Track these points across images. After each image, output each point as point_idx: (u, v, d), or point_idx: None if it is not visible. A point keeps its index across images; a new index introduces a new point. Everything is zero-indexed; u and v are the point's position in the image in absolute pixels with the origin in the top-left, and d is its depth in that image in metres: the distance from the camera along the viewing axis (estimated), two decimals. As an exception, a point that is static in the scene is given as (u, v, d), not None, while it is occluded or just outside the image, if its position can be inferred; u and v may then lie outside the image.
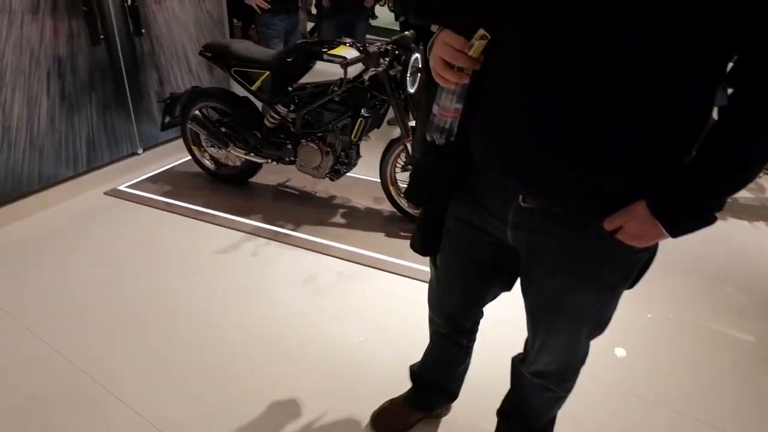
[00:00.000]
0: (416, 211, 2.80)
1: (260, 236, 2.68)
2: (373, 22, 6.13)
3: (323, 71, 2.52)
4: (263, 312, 2.12)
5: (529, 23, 0.80)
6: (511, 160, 0.90)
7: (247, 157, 2.92)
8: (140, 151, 3.39)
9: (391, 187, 2.79)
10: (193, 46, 3.63)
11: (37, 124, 2.72)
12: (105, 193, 3.08)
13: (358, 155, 2.82)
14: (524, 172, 0.90)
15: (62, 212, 2.84)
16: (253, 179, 3.22)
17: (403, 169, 2.75)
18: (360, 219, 2.89)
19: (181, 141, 3.51)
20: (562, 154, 0.84)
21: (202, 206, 2.94)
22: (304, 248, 2.59)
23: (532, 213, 0.94)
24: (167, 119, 3.12)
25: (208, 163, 3.23)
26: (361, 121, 2.59)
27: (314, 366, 1.86)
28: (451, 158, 1.02)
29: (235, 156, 3.03)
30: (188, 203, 2.98)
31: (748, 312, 2.26)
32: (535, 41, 0.80)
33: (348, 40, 2.57)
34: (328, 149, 2.72)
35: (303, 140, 2.75)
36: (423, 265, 2.43)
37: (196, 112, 2.97)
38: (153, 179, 3.28)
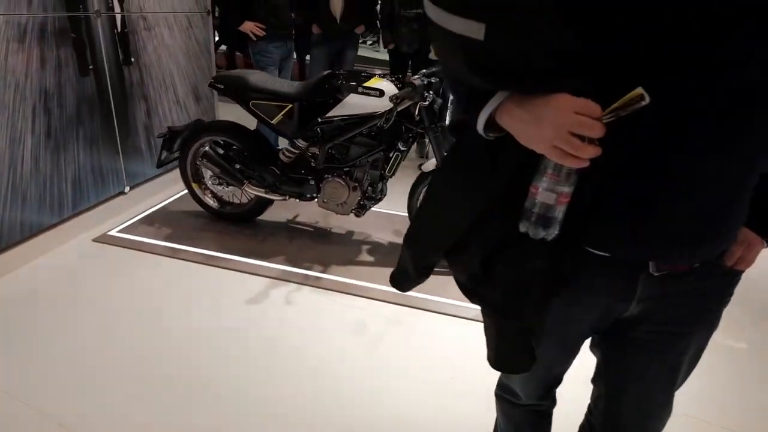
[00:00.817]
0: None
1: (289, 281, 2.47)
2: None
3: (356, 104, 2.39)
4: (314, 369, 1.93)
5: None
6: (649, 229, 0.78)
7: (264, 195, 2.71)
8: (127, 189, 3.06)
9: (420, 222, 2.69)
10: (181, 74, 3.37)
11: (21, 167, 2.36)
12: (94, 240, 2.73)
13: (384, 190, 2.69)
14: (667, 238, 0.79)
15: (48, 265, 2.47)
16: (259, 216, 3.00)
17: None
18: (387, 255, 2.76)
19: (168, 176, 3.23)
20: (716, 212, 0.79)
21: (214, 250, 2.68)
22: (340, 292, 2.41)
23: (664, 278, 0.84)
24: (164, 155, 2.84)
25: (210, 201, 2.97)
26: (397, 155, 2.48)
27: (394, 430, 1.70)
28: (558, 253, 0.80)
29: (241, 193, 2.81)
30: (195, 247, 2.70)
31: (744, 321, 2.38)
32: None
33: (379, 71, 2.47)
34: (356, 184, 2.58)
35: (328, 175, 2.60)
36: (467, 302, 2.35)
37: (206, 148, 2.72)
38: (146, 221, 2.96)
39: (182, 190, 3.37)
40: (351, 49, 4.16)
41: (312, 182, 2.65)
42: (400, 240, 2.90)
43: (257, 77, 2.57)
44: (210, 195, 2.98)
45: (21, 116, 2.32)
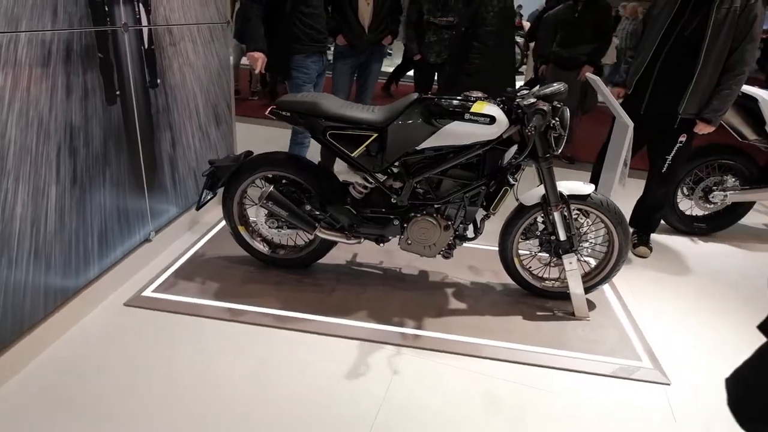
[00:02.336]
0: (544, 283, 2.43)
1: (383, 342, 2.09)
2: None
3: (458, 133, 2.05)
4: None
5: None
6: None
7: (338, 240, 2.31)
8: (152, 235, 2.56)
9: (515, 260, 2.38)
10: (204, 96, 2.89)
11: (44, 224, 1.85)
12: (126, 304, 2.23)
13: (482, 228, 2.35)
14: None
15: (77, 341, 1.97)
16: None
17: (539, 241, 2.36)
18: (484, 300, 2.43)
19: (188, 215, 2.78)
20: None
21: (278, 308, 2.25)
22: (447, 352, 2.06)
23: None
24: (207, 195, 2.38)
25: (260, 245, 2.52)
26: (506, 189, 2.16)
27: None
28: None
29: (295, 234, 2.42)
30: (254, 305, 2.26)
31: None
32: None
33: (480, 94, 2.14)
34: (448, 223, 2.24)
35: (415, 214, 2.24)
36: (602, 356, 2.07)
37: (270, 188, 2.29)
38: (182, 274, 2.48)
39: (209, 232, 2.90)
40: (377, 61, 3.80)
41: (396, 222, 2.28)
42: (495, 280, 2.63)
43: (329, 102, 2.17)
44: (259, 239, 2.54)
45: (44, 160, 1.81)
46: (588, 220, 2.32)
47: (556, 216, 2.18)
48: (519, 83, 6.21)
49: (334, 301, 2.33)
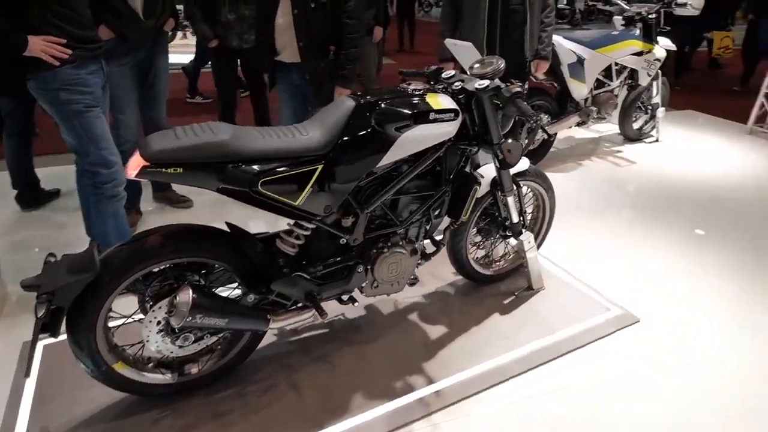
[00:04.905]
0: (493, 268, 2.30)
1: (407, 424, 1.62)
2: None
3: (420, 138, 1.61)
4: None
5: None
6: None
7: (302, 321, 1.62)
8: None
9: (469, 256, 2.16)
10: None
11: None
12: None
13: (444, 236, 2.00)
14: None
15: None
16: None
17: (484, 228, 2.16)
18: (453, 316, 2.13)
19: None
20: None
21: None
22: (474, 394, 1.73)
23: None
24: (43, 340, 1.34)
25: (159, 376, 1.60)
26: (475, 189, 1.83)
27: None
28: None
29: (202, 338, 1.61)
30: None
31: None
32: None
33: (421, 84, 1.69)
34: (414, 246, 1.83)
35: (378, 249, 1.74)
36: (584, 322, 2.08)
37: (190, 294, 1.39)
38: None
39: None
40: (162, 55, 2.79)
41: (360, 269, 1.72)
42: (442, 285, 2.27)
43: (240, 135, 1.39)
44: (154, 367, 1.60)
45: None
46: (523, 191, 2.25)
47: (510, 200, 2.02)
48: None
49: (309, 401, 1.68)
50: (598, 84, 3.89)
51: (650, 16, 3.84)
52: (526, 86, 2.95)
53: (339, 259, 1.70)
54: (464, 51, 2.58)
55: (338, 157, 1.50)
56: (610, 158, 4.04)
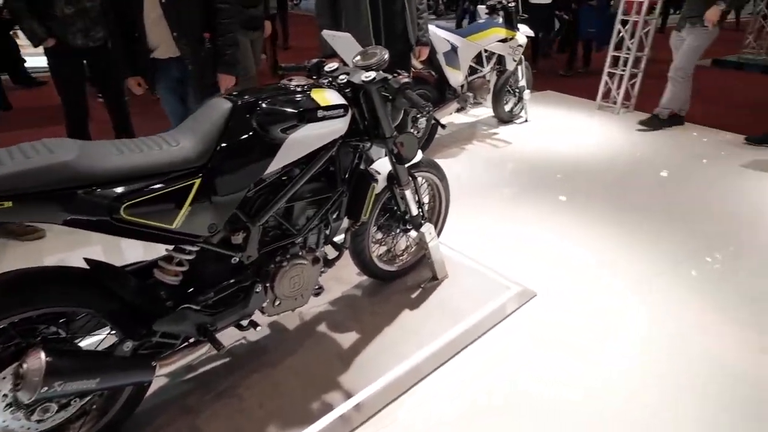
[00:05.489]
0: (397, 264, 2.27)
1: (336, 445, 1.51)
2: None
3: (309, 138, 1.47)
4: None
5: None
6: None
7: (192, 358, 1.40)
8: None
9: (372, 255, 2.09)
10: None
11: None
12: None
13: (347, 241, 1.88)
14: None
15: None
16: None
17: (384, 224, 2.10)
18: (363, 321, 2.04)
19: None
20: None
21: None
22: (396, 398, 1.68)
23: None
24: None
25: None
26: (372, 186, 1.74)
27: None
28: None
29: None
30: None
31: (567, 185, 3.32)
32: None
33: (303, 80, 1.53)
34: (315, 254, 1.70)
35: (276, 264, 1.58)
36: (490, 304, 2.14)
37: (42, 359, 1.09)
38: None
39: None
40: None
41: (258, 289, 1.55)
42: (347, 288, 2.16)
43: (93, 153, 1.13)
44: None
45: None
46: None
47: (408, 194, 1.97)
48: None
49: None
50: (472, 71, 4.06)
51: (510, 5, 4.09)
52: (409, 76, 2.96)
53: (233, 281, 1.51)
54: (343, 43, 2.48)
55: (218, 168, 1.31)
56: (488, 140, 4.26)
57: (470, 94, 4.01)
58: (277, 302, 1.63)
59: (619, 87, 4.96)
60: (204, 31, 2.39)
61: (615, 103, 5.00)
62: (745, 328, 2.05)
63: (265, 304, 1.61)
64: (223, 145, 1.32)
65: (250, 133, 1.36)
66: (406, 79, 1.61)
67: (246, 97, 1.40)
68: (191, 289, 1.45)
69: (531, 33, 4.41)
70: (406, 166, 1.95)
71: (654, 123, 4.50)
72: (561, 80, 6.45)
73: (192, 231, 1.31)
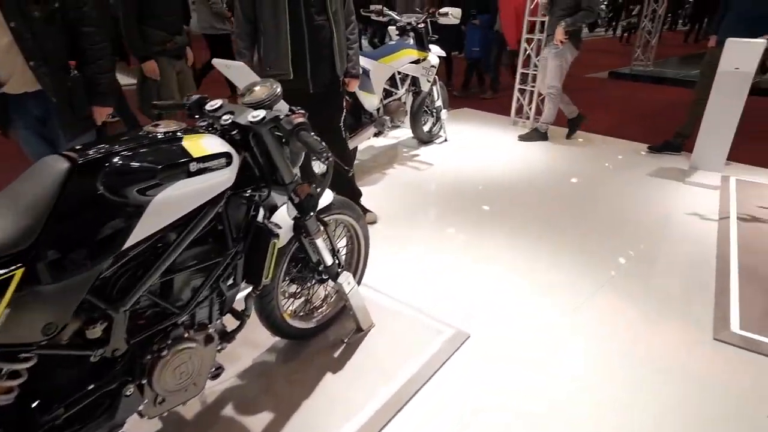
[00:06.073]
0: (315, 318, 2.00)
1: None
2: None
3: (185, 197, 1.19)
4: None
5: None
6: None
7: None
8: None
9: (284, 314, 1.81)
10: None
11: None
12: None
13: (247, 307, 1.58)
14: None
15: None
16: None
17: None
18: (282, 388, 1.75)
19: None
20: None
21: None
22: None
23: None
24: None
25: None
26: (274, 243, 1.46)
27: None
28: None
29: None
30: None
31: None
32: None
33: (175, 125, 1.24)
34: (208, 332, 1.40)
35: (154, 354, 1.27)
36: (421, 352, 1.94)
37: None
38: None
39: None
40: None
41: (131, 390, 1.22)
42: (258, 354, 1.83)
43: None
44: None
45: None
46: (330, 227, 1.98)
47: (319, 242, 1.73)
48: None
49: None
50: (387, 93, 3.92)
51: (419, 26, 4.02)
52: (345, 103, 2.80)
53: (93, 386, 1.17)
54: (238, 73, 2.20)
55: (48, 252, 0.99)
56: (409, 163, 4.13)
57: (387, 118, 3.86)
58: (160, 400, 1.31)
59: (530, 102, 5.07)
60: (69, 59, 2.05)
61: (528, 118, 5.10)
62: (676, 324, 2.02)
63: (143, 407, 1.28)
64: (56, 219, 1.00)
65: (95, 200, 1.05)
66: (301, 119, 1.37)
67: (90, 152, 1.09)
68: (34, 406, 1.10)
69: (443, 53, 4.37)
70: (316, 211, 1.70)
71: (533, 136, 4.70)
72: (474, 98, 6.55)
73: (16, 340, 0.97)
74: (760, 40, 3.47)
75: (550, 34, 4.33)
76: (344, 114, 2.83)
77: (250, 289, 1.55)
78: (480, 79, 6.77)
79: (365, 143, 4.33)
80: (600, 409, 1.71)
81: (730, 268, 2.58)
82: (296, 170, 1.55)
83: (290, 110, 1.44)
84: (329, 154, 1.36)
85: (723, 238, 2.90)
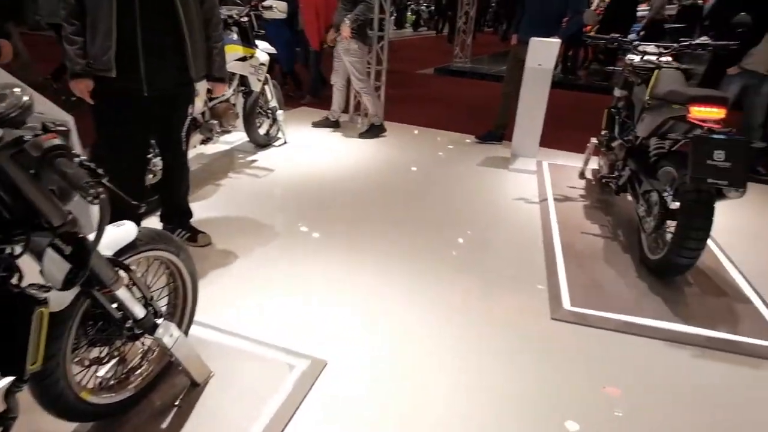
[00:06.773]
0: (128, 388, 1.60)
1: None
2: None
3: None
4: None
5: None
6: None
7: None
8: None
9: (83, 392, 1.38)
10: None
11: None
12: None
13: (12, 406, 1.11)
14: None
15: None
16: None
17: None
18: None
19: None
20: None
21: None
22: None
23: None
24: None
25: None
26: (41, 312, 1.03)
27: None
28: None
29: None
30: None
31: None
32: None
33: None
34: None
35: None
36: (273, 399, 1.69)
37: None
38: None
39: None
40: None
41: None
42: None
43: None
44: None
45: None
46: (139, 268, 1.58)
47: (122, 293, 1.34)
48: None
49: None
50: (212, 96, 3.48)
51: (243, 20, 3.65)
52: (191, 111, 2.41)
53: None
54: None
55: None
56: (247, 170, 3.77)
57: (215, 122, 3.44)
58: None
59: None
60: None
61: (366, 115, 5.08)
62: (516, 307, 2.10)
63: None
64: None
65: None
66: (56, 141, 0.99)
67: None
68: None
69: (272, 50, 4.06)
70: (110, 255, 1.31)
71: (372, 132, 4.73)
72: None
73: None
74: (555, 40, 3.92)
75: (337, 32, 4.39)
76: (188, 122, 2.43)
77: (10, 381, 1.11)
78: (295, 82, 6.27)
79: (192, 152, 3.82)
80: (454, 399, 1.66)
81: (555, 249, 2.83)
82: (70, 206, 1.15)
83: (43, 128, 1.04)
84: (98, 191, 1.00)
85: (545, 220, 3.19)
